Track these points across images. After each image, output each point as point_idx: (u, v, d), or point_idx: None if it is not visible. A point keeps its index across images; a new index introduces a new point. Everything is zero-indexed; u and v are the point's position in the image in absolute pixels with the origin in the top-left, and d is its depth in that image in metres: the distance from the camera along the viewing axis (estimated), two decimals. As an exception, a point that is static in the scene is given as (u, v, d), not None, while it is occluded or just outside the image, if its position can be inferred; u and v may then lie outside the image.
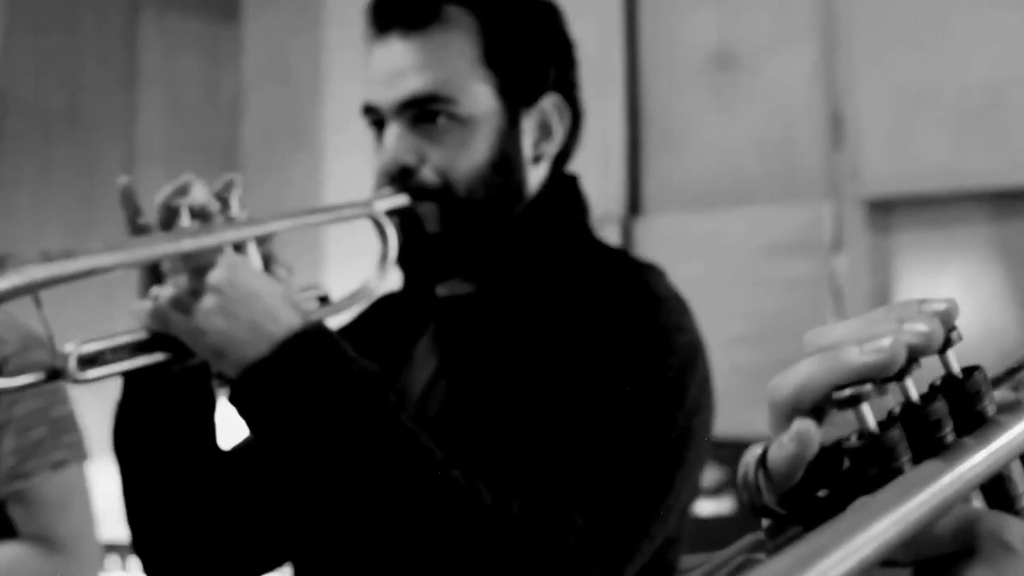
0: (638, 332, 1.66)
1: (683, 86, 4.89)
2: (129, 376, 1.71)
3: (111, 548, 4.54)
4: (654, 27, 4.98)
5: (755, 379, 4.39)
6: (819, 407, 0.70)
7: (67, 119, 5.53)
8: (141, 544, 1.80)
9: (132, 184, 1.63)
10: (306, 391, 1.54)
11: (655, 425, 1.62)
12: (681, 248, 4.70)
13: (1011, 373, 0.76)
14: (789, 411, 0.70)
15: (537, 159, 1.81)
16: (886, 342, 0.69)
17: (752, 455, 0.70)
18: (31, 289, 1.46)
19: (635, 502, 1.60)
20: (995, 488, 0.72)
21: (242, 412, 1.58)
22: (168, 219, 1.61)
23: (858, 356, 0.69)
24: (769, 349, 4.42)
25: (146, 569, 1.82)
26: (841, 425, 0.71)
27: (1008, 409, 0.72)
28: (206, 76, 5.83)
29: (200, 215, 1.61)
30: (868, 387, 0.68)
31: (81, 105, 5.57)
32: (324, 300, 1.74)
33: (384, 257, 1.72)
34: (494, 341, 1.74)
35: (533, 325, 1.72)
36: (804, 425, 0.68)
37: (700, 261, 4.67)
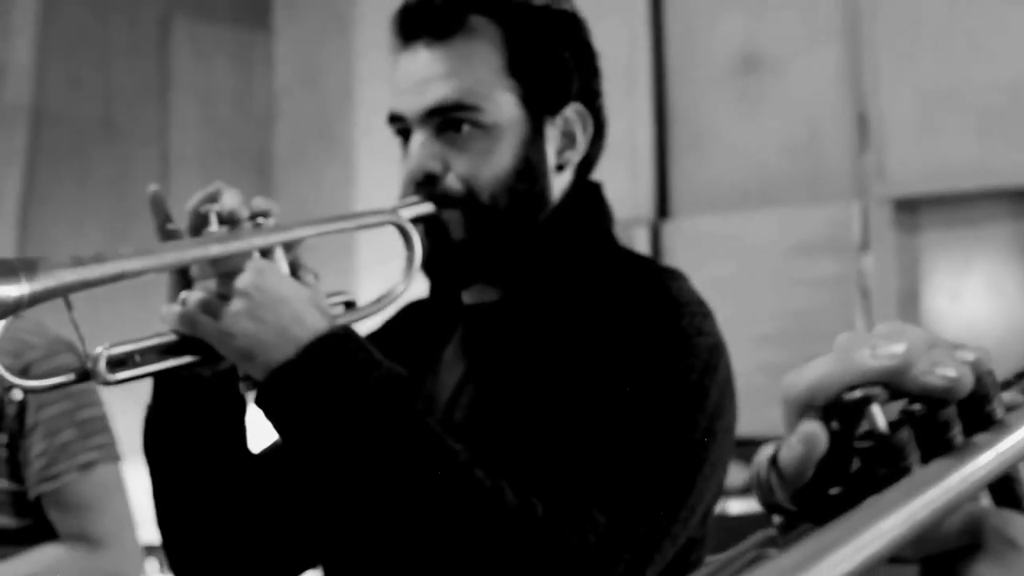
0: (661, 336, 1.68)
1: (710, 89, 4.91)
2: (159, 380, 1.73)
3: (150, 550, 4.58)
4: (681, 31, 5.01)
5: (782, 378, 4.41)
6: (832, 406, 0.71)
7: (102, 130, 5.60)
8: (171, 547, 1.82)
9: (161, 192, 1.66)
10: (332, 394, 1.56)
11: (677, 427, 1.64)
12: (709, 249, 4.72)
13: (1021, 376, 0.77)
14: (802, 408, 0.72)
15: (560, 167, 1.82)
16: (899, 348, 0.70)
17: (764, 454, 0.72)
18: (62, 292, 1.48)
19: (657, 503, 1.62)
20: (1003, 488, 0.73)
21: (269, 414, 1.61)
22: (198, 225, 1.64)
23: (870, 359, 0.70)
24: (797, 348, 4.44)
25: (175, 570, 1.84)
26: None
27: (1016, 411, 0.73)
28: (238, 85, 5.88)
29: (229, 221, 1.63)
30: (878, 389, 0.70)
31: (115, 115, 5.63)
32: (350, 305, 1.76)
33: (410, 263, 1.73)
34: (520, 347, 1.76)
35: (558, 331, 1.73)
36: (811, 427, 0.70)
37: (728, 262, 4.69)
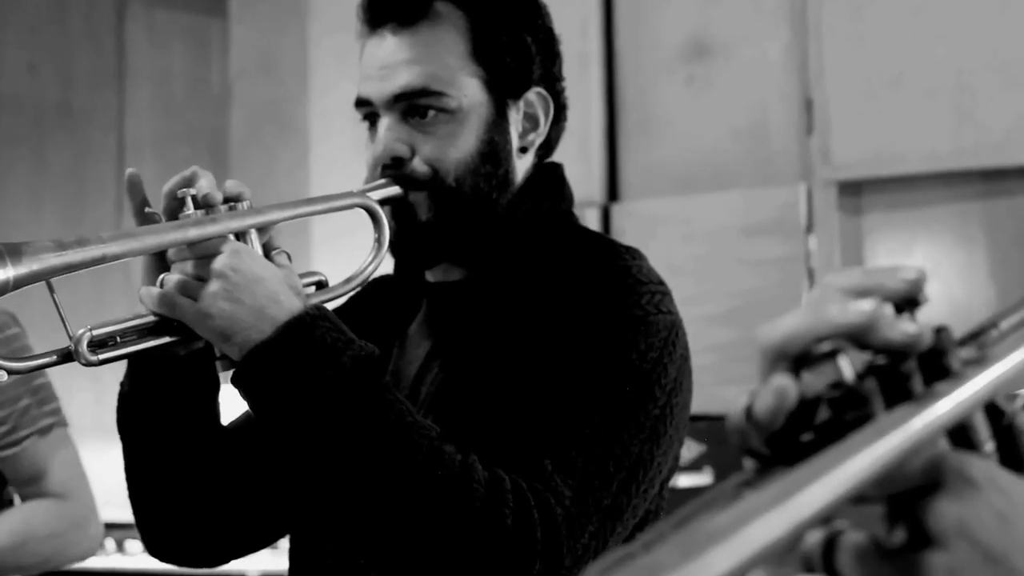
0: (621, 314, 1.73)
1: (660, 74, 4.96)
2: (134, 359, 1.77)
3: (109, 528, 4.66)
4: (631, 16, 5.06)
5: (731, 357, 4.48)
6: (802, 356, 0.77)
7: (59, 114, 5.63)
8: (144, 522, 1.87)
9: (138, 175, 1.71)
10: (308, 372, 1.60)
11: (637, 402, 1.70)
12: (659, 232, 4.76)
13: (975, 336, 0.82)
14: (775, 359, 0.77)
15: (523, 150, 1.88)
16: (866, 306, 0.76)
17: (740, 403, 0.76)
18: (46, 275, 1.54)
19: (619, 475, 1.68)
20: (959, 433, 0.79)
21: (246, 393, 1.65)
22: (174, 208, 1.68)
23: (839, 315, 0.76)
24: (745, 328, 4.50)
25: (148, 546, 1.89)
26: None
27: (971, 364, 0.78)
28: (194, 69, 5.92)
29: (204, 205, 1.68)
30: (847, 342, 0.76)
31: (72, 99, 5.67)
32: (321, 285, 1.80)
33: (379, 244, 1.79)
34: (485, 325, 1.81)
35: (522, 308, 1.78)
36: (782, 381, 0.75)
37: (678, 244, 4.74)
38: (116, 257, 1.60)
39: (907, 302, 0.79)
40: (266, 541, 1.95)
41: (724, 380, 4.05)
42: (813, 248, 4.60)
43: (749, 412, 0.75)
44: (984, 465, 0.76)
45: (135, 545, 4.76)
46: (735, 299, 4.64)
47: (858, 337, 0.77)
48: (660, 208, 4.87)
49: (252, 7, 5.92)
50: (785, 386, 0.75)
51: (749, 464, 0.77)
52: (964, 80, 4.30)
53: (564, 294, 1.77)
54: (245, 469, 1.86)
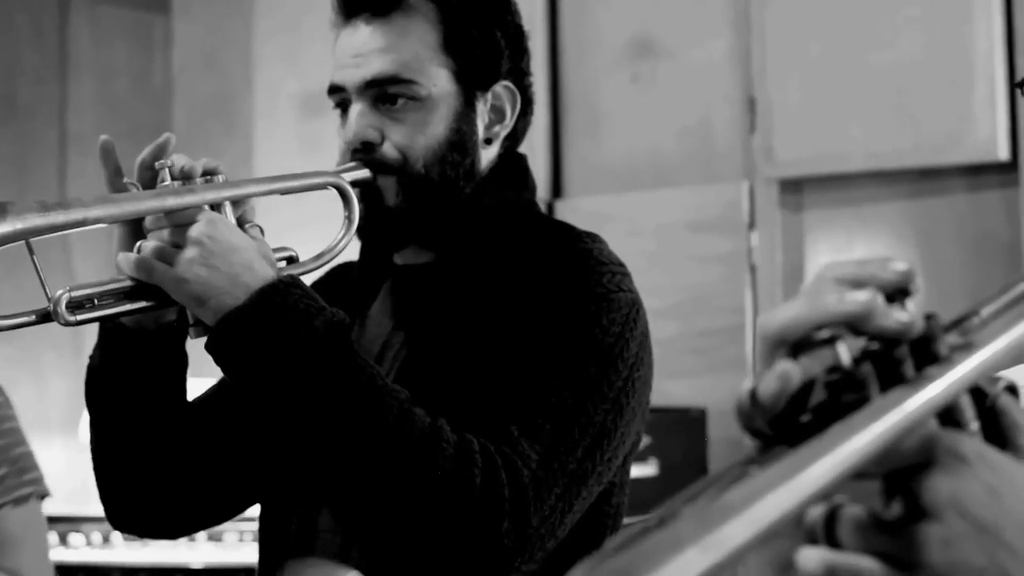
0: (583, 291, 1.79)
1: (604, 72, 5.00)
2: (104, 331, 1.82)
3: (51, 521, 4.66)
4: (575, 15, 5.10)
5: (677, 350, 4.53)
6: (801, 342, 0.82)
7: (2, 107, 5.61)
8: (108, 493, 1.91)
9: (111, 142, 1.74)
10: (281, 336, 1.65)
11: (600, 374, 1.76)
12: (605, 228, 4.76)
13: (957, 323, 0.87)
14: (775, 344, 0.82)
15: (489, 140, 1.94)
16: (863, 296, 0.81)
17: (746, 386, 0.80)
18: (29, 235, 1.58)
19: (583, 442, 1.73)
20: (949, 416, 0.84)
21: (219, 357, 1.69)
22: (148, 178, 1.74)
23: (838, 304, 0.81)
24: (690, 322, 4.56)
25: (111, 518, 1.93)
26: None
27: (958, 350, 0.83)
28: (137, 65, 5.91)
29: (182, 176, 1.73)
30: (843, 329, 0.80)
31: (15, 93, 5.65)
32: (292, 260, 1.84)
33: (349, 224, 1.83)
34: (449, 304, 1.85)
35: (486, 288, 1.83)
36: (786, 366, 0.79)
37: (622, 241, 4.77)
38: (97, 221, 1.65)
39: (899, 292, 0.84)
40: (226, 514, 1.99)
41: (669, 374, 4.10)
42: (755, 244, 4.66)
43: (754, 395, 0.80)
44: (974, 443, 0.81)
45: (79, 539, 4.76)
46: (680, 294, 4.69)
47: (855, 324, 0.81)
48: (604, 205, 4.92)
49: (195, 3, 5.92)
50: (789, 370, 0.79)
51: (751, 443, 0.81)
52: (903, 82, 4.36)
53: (528, 274, 1.82)
54: (209, 442, 1.90)
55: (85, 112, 5.75)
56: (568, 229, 1.93)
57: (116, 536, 4.83)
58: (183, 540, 4.57)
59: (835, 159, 4.53)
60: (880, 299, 0.82)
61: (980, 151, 4.24)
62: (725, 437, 4.54)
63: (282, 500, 1.92)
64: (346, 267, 2.04)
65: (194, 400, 1.93)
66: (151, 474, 1.88)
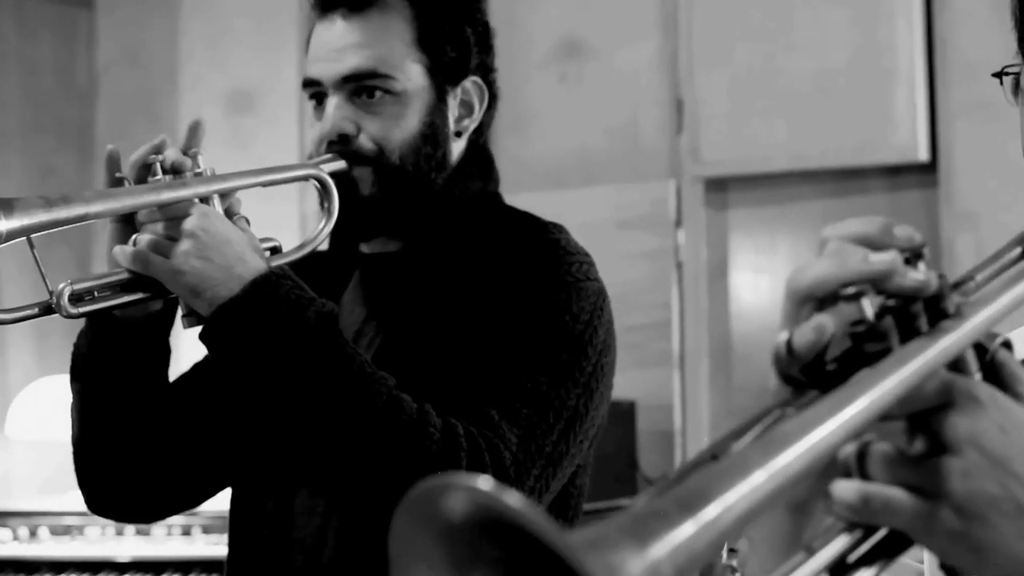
0: (553, 280, 1.87)
1: (533, 72, 5.05)
2: (96, 324, 1.87)
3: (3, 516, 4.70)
4: (504, 15, 5.15)
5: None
6: (827, 298, 0.91)
7: (-74, 101, 5.57)
8: (86, 477, 1.96)
9: (117, 152, 1.81)
10: (274, 326, 1.71)
11: (572, 360, 1.84)
12: (533, 225, 4.85)
13: (956, 285, 0.97)
14: (803, 299, 0.92)
15: (458, 134, 2.01)
16: (887, 256, 0.90)
17: (782, 338, 0.89)
18: (34, 230, 1.64)
19: (558, 425, 1.81)
20: (956, 367, 0.93)
21: (214, 347, 1.75)
22: (143, 176, 1.79)
23: (863, 264, 0.90)
24: (617, 318, 4.59)
25: (88, 501, 1.98)
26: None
27: (965, 307, 0.93)
28: (61, 60, 5.89)
29: (173, 171, 1.79)
30: (868, 286, 0.90)
31: (-61, 88, 5.61)
32: (276, 251, 1.91)
33: (329, 213, 1.90)
34: (420, 292, 1.92)
35: (457, 276, 1.90)
36: (822, 319, 0.88)
37: (550, 238, 4.84)
38: (97, 215, 1.70)
39: (914, 255, 0.93)
40: (201, 497, 2.04)
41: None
42: (682, 241, 4.74)
43: (789, 345, 0.89)
44: (987, 387, 0.92)
45: (6, 533, 4.75)
46: (608, 290, 4.72)
47: (878, 283, 0.91)
48: (532, 202, 4.85)
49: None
50: (824, 323, 0.89)
51: (782, 388, 0.90)
52: (827, 84, 4.45)
53: (499, 263, 1.89)
54: (185, 426, 1.95)
55: (9, 108, 5.72)
56: (534, 220, 2.01)
57: (43, 531, 4.81)
58: (111, 534, 4.59)
59: (759, 159, 4.61)
60: (900, 260, 0.91)
61: (901, 152, 4.34)
62: (653, 430, 4.62)
63: (259, 483, 1.97)
64: (313, 256, 2.09)
65: (171, 384, 1.97)
66: (131, 458, 1.93)
